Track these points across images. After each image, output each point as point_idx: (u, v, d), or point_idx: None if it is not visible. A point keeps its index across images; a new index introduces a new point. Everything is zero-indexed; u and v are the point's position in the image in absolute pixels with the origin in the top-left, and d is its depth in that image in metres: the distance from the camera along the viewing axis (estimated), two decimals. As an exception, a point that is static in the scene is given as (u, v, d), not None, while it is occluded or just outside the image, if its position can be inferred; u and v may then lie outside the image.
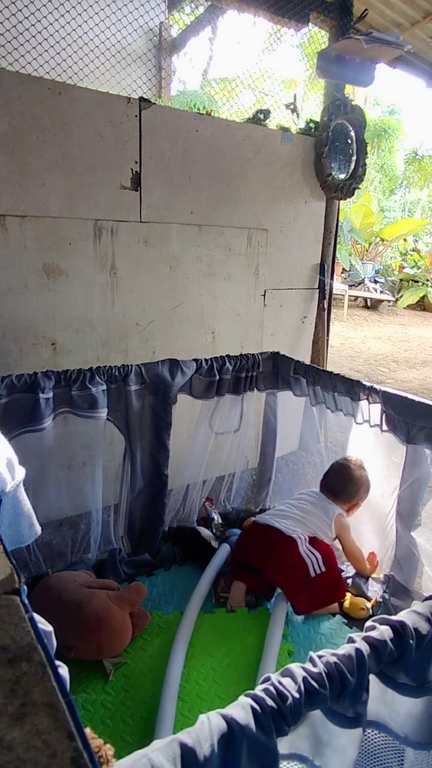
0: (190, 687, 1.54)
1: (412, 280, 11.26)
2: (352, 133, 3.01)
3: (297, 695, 0.74)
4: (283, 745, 0.78)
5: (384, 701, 0.91)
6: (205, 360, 2.07)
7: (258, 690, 0.74)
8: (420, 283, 11.09)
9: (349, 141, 3.01)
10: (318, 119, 2.92)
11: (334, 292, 4.42)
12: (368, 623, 0.90)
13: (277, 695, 0.73)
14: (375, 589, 1.96)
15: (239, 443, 2.38)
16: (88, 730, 0.64)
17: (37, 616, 0.63)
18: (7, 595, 0.53)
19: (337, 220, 3.15)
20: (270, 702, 0.72)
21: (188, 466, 2.26)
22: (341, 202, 3.20)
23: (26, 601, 0.53)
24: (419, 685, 0.90)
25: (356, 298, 10.75)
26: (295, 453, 2.84)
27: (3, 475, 0.89)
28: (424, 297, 10.79)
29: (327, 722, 0.82)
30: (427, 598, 0.96)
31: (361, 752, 0.92)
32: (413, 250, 12.37)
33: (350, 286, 10.48)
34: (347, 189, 3.03)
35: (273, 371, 2.31)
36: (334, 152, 2.92)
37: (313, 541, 1.89)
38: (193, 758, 0.63)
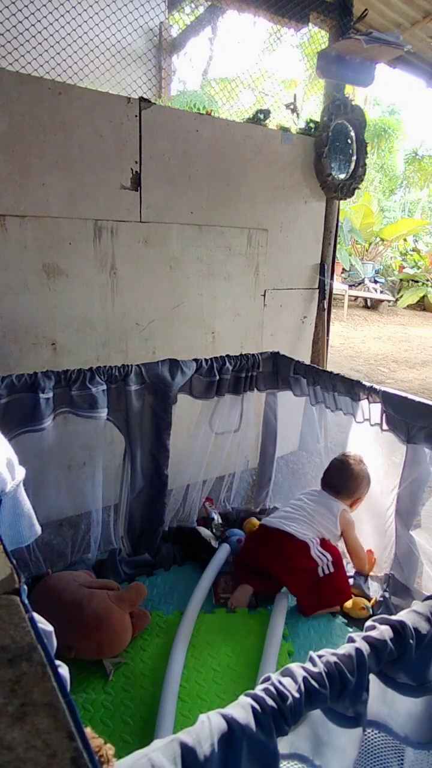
0: (190, 687, 1.54)
1: (412, 280, 11.26)
2: (352, 133, 3.01)
3: (297, 695, 0.74)
4: (284, 744, 0.78)
5: (384, 701, 0.91)
6: (205, 360, 2.07)
7: (258, 690, 0.74)
8: (420, 283, 11.09)
9: (349, 141, 3.01)
10: (318, 119, 2.92)
11: (334, 292, 4.42)
12: (368, 623, 0.90)
13: (277, 695, 0.73)
14: (375, 589, 1.96)
15: (239, 443, 2.38)
16: (88, 730, 0.64)
17: (37, 616, 0.63)
18: (7, 595, 0.53)
19: (337, 220, 3.15)
20: (270, 702, 0.72)
21: (188, 466, 2.26)
22: (341, 202, 3.20)
23: (26, 601, 0.53)
24: (419, 684, 0.90)
25: (356, 298, 10.75)
26: (295, 453, 2.84)
27: (3, 475, 0.89)
28: (424, 297, 10.80)
29: (327, 722, 0.82)
30: (427, 598, 0.96)
31: (361, 752, 0.92)
32: (413, 250, 12.37)
33: (350, 286, 10.48)
34: (347, 189, 3.03)
35: (273, 371, 2.31)
36: (334, 152, 2.92)
37: (324, 544, 1.90)
38: (194, 758, 0.63)
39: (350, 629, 1.81)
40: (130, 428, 1.96)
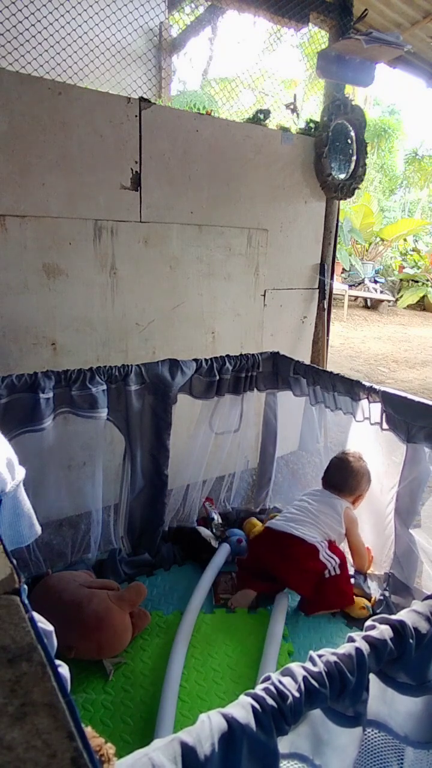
0: (190, 687, 1.54)
1: (412, 280, 11.26)
2: (352, 133, 3.01)
3: (297, 694, 0.74)
4: (284, 744, 0.78)
5: (384, 700, 0.91)
6: (205, 360, 2.07)
7: (258, 689, 0.74)
8: (420, 283, 11.09)
9: (349, 141, 3.01)
10: (318, 119, 2.92)
11: (334, 292, 4.42)
12: (368, 623, 0.90)
13: (277, 694, 0.73)
14: (375, 588, 1.96)
15: (239, 443, 2.38)
16: (89, 729, 0.64)
17: (37, 616, 0.63)
18: (7, 595, 0.53)
19: (337, 220, 3.15)
20: (270, 701, 0.72)
21: (188, 466, 2.26)
22: (341, 202, 3.20)
23: (26, 601, 0.53)
24: (419, 684, 0.90)
25: (356, 298, 10.75)
26: (295, 453, 2.84)
27: (3, 475, 0.89)
28: (424, 297, 10.80)
29: (327, 721, 0.82)
30: (427, 597, 0.96)
31: (361, 751, 0.92)
32: (413, 250, 12.37)
33: (350, 286, 10.48)
34: (347, 189, 3.03)
35: (273, 371, 2.31)
36: (334, 152, 2.92)
37: (332, 547, 1.90)
38: (194, 757, 0.63)
39: (350, 629, 1.81)
40: (130, 428, 1.96)
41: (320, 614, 1.86)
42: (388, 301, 10.61)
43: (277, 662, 1.60)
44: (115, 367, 1.86)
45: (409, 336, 8.14)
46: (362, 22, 3.04)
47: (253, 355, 2.23)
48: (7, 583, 0.55)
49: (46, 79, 2.06)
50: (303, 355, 3.12)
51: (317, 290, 3.12)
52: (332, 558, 1.86)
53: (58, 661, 0.85)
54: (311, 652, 0.81)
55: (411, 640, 0.86)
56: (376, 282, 11.23)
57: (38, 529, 1.01)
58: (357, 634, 0.86)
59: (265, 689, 0.74)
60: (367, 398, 1.88)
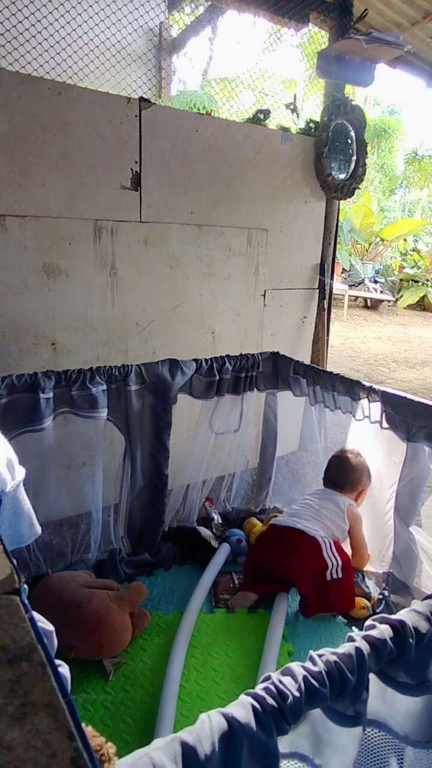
0: (190, 687, 1.54)
1: (412, 280, 11.26)
2: (352, 133, 3.01)
3: (297, 694, 0.74)
4: (284, 743, 0.78)
5: (384, 700, 0.91)
6: (205, 360, 2.07)
7: (258, 689, 0.74)
8: (420, 283, 11.09)
9: (349, 141, 3.01)
10: (318, 119, 2.92)
11: (334, 292, 4.42)
12: (368, 622, 0.90)
13: (277, 694, 0.73)
14: (374, 587, 1.96)
15: (239, 443, 2.38)
16: (89, 729, 0.64)
17: (38, 616, 0.63)
18: (7, 595, 0.53)
19: (337, 220, 3.15)
20: (270, 701, 0.72)
21: (188, 466, 2.26)
22: (341, 202, 3.20)
23: (26, 601, 0.53)
24: (419, 683, 0.90)
25: (356, 298, 10.75)
26: (295, 453, 2.84)
27: (3, 475, 0.89)
28: (424, 297, 10.80)
29: (327, 721, 0.82)
30: (426, 597, 0.96)
31: (361, 751, 0.92)
32: (413, 250, 12.37)
33: (350, 286, 10.48)
34: (347, 189, 3.03)
35: (273, 371, 2.31)
36: (334, 152, 2.92)
37: (337, 547, 1.89)
38: (194, 757, 0.63)
39: (350, 629, 1.81)
40: (130, 428, 1.96)
41: (320, 615, 1.86)
42: (388, 301, 10.61)
43: (277, 662, 1.59)
44: (115, 367, 1.86)
45: (409, 336, 8.14)
46: (362, 22, 3.04)
47: (253, 355, 2.23)
48: (7, 583, 0.55)
49: (46, 79, 2.06)
50: (303, 355, 3.12)
51: (317, 290, 3.12)
52: (335, 557, 1.84)
53: (58, 661, 0.85)
54: (311, 652, 0.82)
55: (411, 640, 0.86)
56: (376, 282, 11.23)
57: (38, 529, 1.01)
58: (357, 634, 0.86)
59: (266, 689, 0.74)
60: (367, 398, 1.88)
